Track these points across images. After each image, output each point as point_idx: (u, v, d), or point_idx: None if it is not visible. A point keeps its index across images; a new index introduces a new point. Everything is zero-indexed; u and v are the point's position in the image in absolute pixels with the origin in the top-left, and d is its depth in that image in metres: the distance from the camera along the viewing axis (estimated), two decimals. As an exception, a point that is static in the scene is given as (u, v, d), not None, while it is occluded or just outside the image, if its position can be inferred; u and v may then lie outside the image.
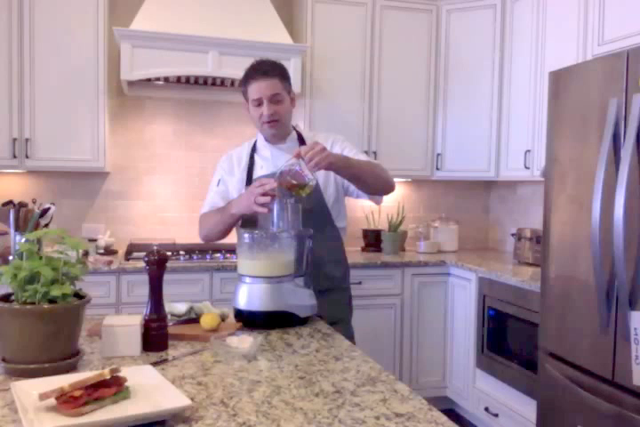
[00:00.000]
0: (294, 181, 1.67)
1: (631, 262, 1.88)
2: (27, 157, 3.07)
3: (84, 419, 0.97)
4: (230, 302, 1.73)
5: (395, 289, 3.35)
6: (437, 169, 3.72)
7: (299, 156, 1.66)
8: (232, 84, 3.39)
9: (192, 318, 1.65)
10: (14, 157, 3.06)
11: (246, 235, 1.71)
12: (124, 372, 1.07)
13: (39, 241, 1.37)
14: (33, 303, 1.20)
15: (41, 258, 1.25)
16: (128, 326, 1.40)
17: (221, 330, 1.56)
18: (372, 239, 3.74)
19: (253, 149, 2.06)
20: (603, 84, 2.02)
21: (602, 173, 1.95)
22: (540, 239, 2.57)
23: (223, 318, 1.67)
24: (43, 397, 0.99)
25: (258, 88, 1.88)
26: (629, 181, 1.85)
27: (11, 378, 1.19)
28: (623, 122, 1.92)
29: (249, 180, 2.00)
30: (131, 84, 3.33)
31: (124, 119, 3.53)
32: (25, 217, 2.86)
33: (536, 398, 2.43)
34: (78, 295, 1.29)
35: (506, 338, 2.96)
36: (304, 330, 1.65)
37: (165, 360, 1.36)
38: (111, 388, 1.03)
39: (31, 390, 1.04)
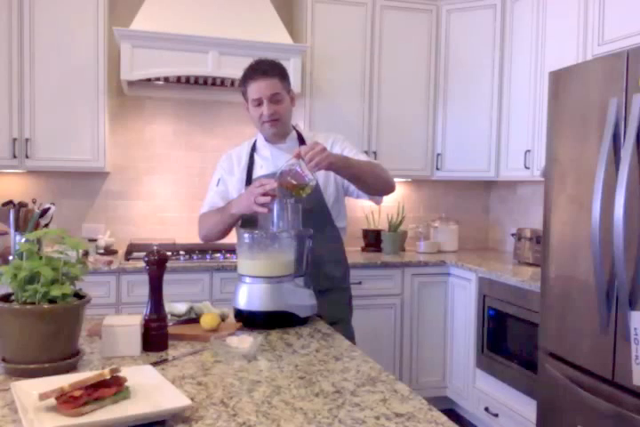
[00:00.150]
0: (294, 182, 1.67)
1: (631, 262, 1.88)
2: (27, 157, 3.07)
3: (84, 419, 0.97)
4: (230, 302, 1.73)
5: (395, 289, 3.35)
6: (437, 169, 3.72)
7: (299, 156, 1.65)
8: (232, 84, 3.39)
9: (192, 318, 1.65)
10: (14, 157, 3.06)
11: (246, 235, 1.71)
12: (124, 372, 1.07)
13: (39, 241, 1.38)
14: (33, 303, 1.20)
15: (41, 258, 1.25)
16: (128, 326, 1.40)
17: (221, 330, 1.56)
18: (372, 239, 3.74)
19: (253, 149, 2.06)
20: (603, 84, 2.02)
21: (602, 173, 1.95)
22: (540, 239, 2.57)
23: (223, 318, 1.67)
24: (43, 397, 0.99)
25: (257, 88, 1.88)
26: (629, 181, 1.85)
27: (11, 378, 1.19)
28: (623, 122, 1.92)
29: (249, 179, 2.00)
30: (131, 84, 3.33)
31: (124, 119, 3.53)
32: (25, 217, 2.86)
33: (536, 398, 2.43)
34: (78, 295, 1.29)
35: (506, 338, 2.97)
36: (304, 330, 1.65)
37: (165, 360, 1.36)
38: (111, 388, 1.03)
39: (31, 390, 1.04)
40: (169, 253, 2.72)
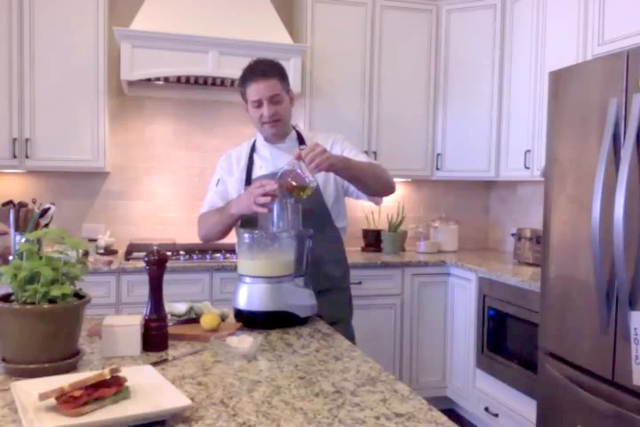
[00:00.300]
0: (295, 183, 1.67)
1: (631, 262, 1.88)
2: (27, 157, 3.07)
3: (84, 419, 0.97)
4: (230, 302, 1.73)
5: (395, 289, 3.35)
6: (437, 169, 3.72)
7: (299, 157, 1.65)
8: (232, 84, 3.39)
9: (192, 318, 1.65)
10: (14, 157, 3.06)
11: (246, 235, 1.71)
12: (124, 372, 1.07)
13: (39, 241, 1.38)
14: (33, 303, 1.20)
15: (41, 258, 1.25)
16: (128, 326, 1.40)
17: (221, 330, 1.56)
18: (372, 239, 3.74)
19: (253, 149, 2.06)
20: (603, 84, 2.02)
21: (602, 173, 1.95)
22: (540, 239, 2.57)
23: (223, 318, 1.67)
24: (43, 397, 0.99)
25: (257, 89, 1.87)
26: (629, 181, 1.85)
27: (11, 378, 1.19)
28: (623, 122, 1.92)
29: (248, 180, 2.00)
30: (131, 84, 3.33)
31: (124, 119, 3.53)
32: (25, 217, 2.86)
33: (536, 398, 2.43)
34: (78, 295, 1.29)
35: (506, 338, 2.97)
36: (304, 330, 1.65)
37: (165, 360, 1.36)
38: (111, 388, 1.03)
39: (31, 390, 1.04)
40: (169, 253, 2.73)
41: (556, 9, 3.04)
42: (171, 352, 1.42)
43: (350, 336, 1.94)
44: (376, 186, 1.94)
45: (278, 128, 1.95)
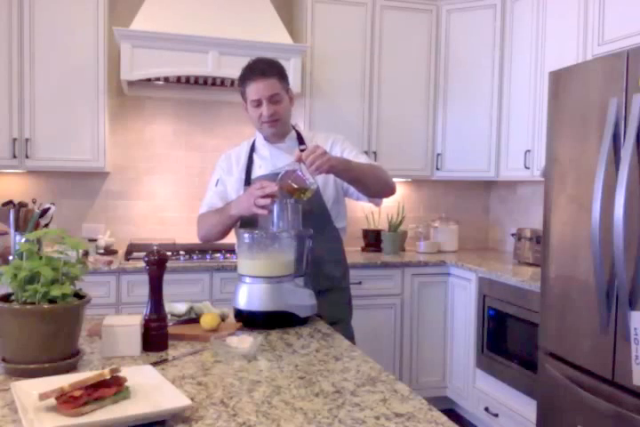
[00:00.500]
0: (295, 185, 1.67)
1: (631, 262, 1.88)
2: (27, 157, 3.07)
3: (84, 419, 0.97)
4: (230, 302, 1.73)
5: (395, 289, 3.35)
6: (437, 169, 3.72)
7: (299, 159, 1.65)
8: (232, 84, 3.39)
9: (192, 318, 1.65)
10: (14, 157, 3.06)
11: (246, 235, 1.71)
12: (124, 372, 1.07)
13: (39, 241, 1.37)
14: (33, 303, 1.20)
15: (41, 258, 1.25)
16: (128, 326, 1.39)
17: (221, 330, 1.56)
18: (372, 239, 3.74)
19: (252, 149, 2.06)
20: (603, 84, 2.02)
21: (602, 173, 1.95)
22: (540, 239, 2.57)
23: (223, 318, 1.67)
24: (43, 397, 0.99)
25: (256, 89, 1.87)
26: (629, 181, 1.85)
27: (11, 378, 1.19)
28: (623, 122, 1.92)
29: (247, 180, 1.99)
30: (131, 84, 3.33)
31: (124, 119, 3.53)
32: (25, 217, 2.86)
33: (536, 398, 2.43)
34: (78, 295, 1.29)
35: (506, 338, 2.97)
36: (304, 330, 1.65)
37: (165, 360, 1.36)
38: (111, 388, 1.03)
39: (31, 390, 1.04)
40: (169, 253, 2.72)
41: (556, 9, 3.04)
42: (171, 352, 1.42)
43: (350, 336, 1.94)
44: (376, 187, 1.94)
45: (277, 128, 1.95)
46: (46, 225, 2.93)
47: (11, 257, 2.50)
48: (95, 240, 3.25)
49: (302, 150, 1.86)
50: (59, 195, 3.40)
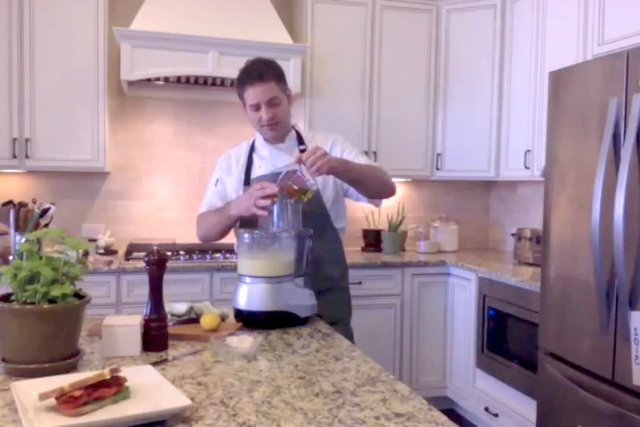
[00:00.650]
0: (296, 187, 1.67)
1: (631, 262, 1.88)
2: (27, 157, 3.07)
3: (84, 419, 0.97)
4: (230, 302, 1.73)
5: (395, 289, 3.35)
6: (437, 169, 3.72)
7: (300, 161, 1.65)
8: (232, 84, 3.38)
9: (192, 318, 1.65)
10: (14, 157, 3.06)
11: (246, 235, 1.71)
12: (124, 372, 1.07)
13: (39, 241, 1.37)
14: (33, 303, 1.20)
15: (41, 258, 1.25)
16: (128, 326, 1.39)
17: (221, 330, 1.56)
18: (372, 239, 3.74)
19: (252, 149, 2.05)
20: (603, 84, 2.02)
21: (602, 173, 1.95)
22: (540, 239, 2.57)
23: (223, 318, 1.67)
24: (43, 397, 0.99)
25: (254, 93, 1.86)
26: (629, 181, 1.85)
27: (11, 378, 1.19)
28: (623, 122, 1.92)
29: (247, 180, 1.99)
30: (131, 84, 3.33)
31: (124, 119, 3.53)
32: (25, 217, 2.86)
33: (536, 398, 2.43)
34: (78, 295, 1.29)
35: (506, 338, 2.97)
36: (304, 330, 1.65)
37: (165, 360, 1.36)
38: (111, 388, 1.03)
39: (31, 390, 1.04)
40: (169, 253, 2.73)
41: (556, 9, 3.04)
42: (171, 352, 1.42)
43: (349, 336, 1.94)
44: (376, 188, 1.93)
45: (277, 130, 1.95)
46: (46, 225, 2.93)
47: (11, 257, 2.50)
48: (95, 240, 3.25)
49: (302, 151, 1.87)
50: (59, 195, 3.40)
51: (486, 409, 3.08)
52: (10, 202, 2.96)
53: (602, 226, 1.94)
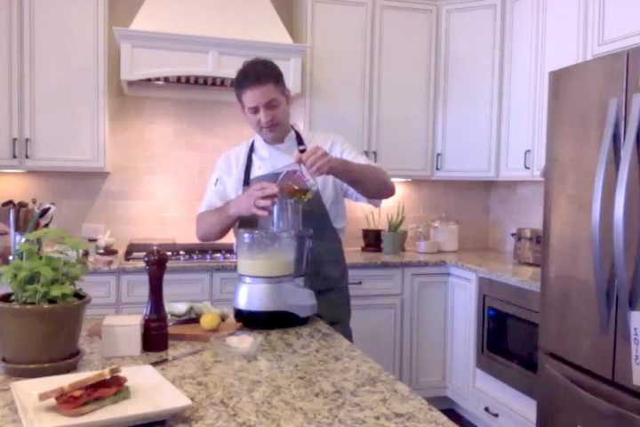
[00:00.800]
0: (296, 187, 1.67)
1: (631, 262, 1.88)
2: (27, 157, 3.07)
3: (84, 419, 0.97)
4: (230, 302, 1.73)
5: (395, 289, 3.35)
6: (437, 169, 3.72)
7: (300, 161, 1.65)
8: (232, 84, 3.35)
9: (192, 318, 1.65)
10: (14, 157, 3.06)
11: (246, 235, 1.71)
12: (124, 372, 1.07)
13: (39, 241, 1.37)
14: (33, 303, 1.20)
15: (41, 258, 1.25)
16: (128, 326, 1.40)
17: (221, 330, 1.56)
18: (372, 239, 3.74)
19: (251, 149, 2.05)
20: (603, 84, 2.02)
21: (602, 173, 1.95)
22: (540, 239, 2.57)
23: (223, 318, 1.67)
24: (43, 397, 0.99)
25: (252, 96, 1.86)
26: (629, 181, 1.85)
27: (11, 378, 1.19)
28: (623, 122, 1.92)
29: (246, 180, 1.99)
30: (131, 84, 3.33)
31: (124, 119, 3.53)
32: (25, 217, 2.86)
33: (536, 398, 2.43)
34: (78, 295, 1.29)
35: (506, 338, 2.96)
36: (304, 330, 1.65)
37: (165, 360, 1.36)
38: (111, 388, 1.03)
39: (31, 390, 1.04)
40: (169, 253, 2.73)
41: (556, 9, 3.04)
42: (171, 352, 1.42)
43: (348, 336, 1.93)
44: (375, 189, 1.93)
45: (277, 132, 1.95)
46: (46, 225, 2.93)
47: (11, 257, 2.50)
48: (95, 240, 3.25)
49: (301, 151, 1.87)
50: (59, 195, 3.40)
51: (486, 409, 3.08)
52: (10, 202, 2.96)
53: (602, 226, 1.94)
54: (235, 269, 1.79)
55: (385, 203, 2.18)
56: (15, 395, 1.03)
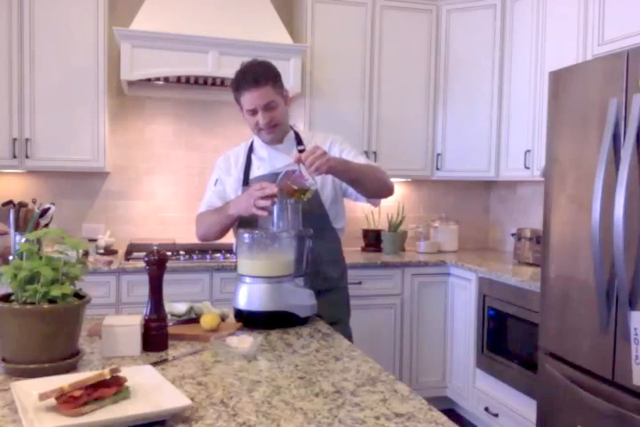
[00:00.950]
0: (295, 187, 1.67)
1: (631, 262, 1.88)
2: (27, 157, 3.07)
3: (84, 419, 0.97)
4: (230, 302, 1.73)
5: (395, 289, 3.35)
6: (437, 169, 3.72)
7: (299, 161, 1.65)
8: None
9: (192, 318, 1.65)
10: (14, 157, 3.06)
11: (246, 235, 1.71)
12: (124, 372, 1.07)
13: (39, 241, 1.37)
14: (33, 303, 1.20)
15: (41, 258, 1.25)
16: (128, 326, 1.40)
17: (221, 330, 1.56)
18: (372, 239, 3.74)
19: (250, 150, 2.05)
20: (603, 84, 2.02)
21: (602, 173, 1.95)
22: (540, 239, 2.57)
23: (223, 318, 1.67)
24: (43, 397, 0.99)
25: (250, 99, 1.86)
26: (629, 181, 1.85)
27: (11, 378, 1.19)
28: (623, 122, 1.92)
29: (246, 180, 1.99)
30: (131, 84, 3.33)
31: (124, 119, 3.53)
32: (25, 217, 2.86)
33: (536, 398, 2.43)
34: (78, 295, 1.29)
35: (506, 338, 2.97)
36: (304, 330, 1.65)
37: (165, 360, 1.36)
38: (111, 388, 1.03)
39: (31, 390, 1.04)
40: (169, 253, 2.72)
41: (556, 9, 3.04)
42: (171, 352, 1.42)
43: (348, 336, 1.94)
44: (375, 188, 1.93)
45: (276, 133, 1.94)
46: (46, 225, 2.93)
47: (11, 257, 2.50)
48: (95, 240, 3.25)
49: (301, 151, 1.87)
50: (59, 195, 3.40)
51: (486, 409, 3.08)
52: (10, 202, 2.96)
53: (602, 226, 1.94)
54: (235, 269, 1.79)
55: (385, 203, 2.19)
56: (15, 395, 1.03)
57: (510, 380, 2.90)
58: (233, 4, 3.27)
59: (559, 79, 2.26)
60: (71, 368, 1.25)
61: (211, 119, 3.66)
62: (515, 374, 2.86)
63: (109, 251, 3.29)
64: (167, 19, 3.14)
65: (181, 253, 3.15)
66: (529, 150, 3.25)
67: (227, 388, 1.18)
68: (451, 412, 3.44)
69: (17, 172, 3.30)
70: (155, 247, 1.54)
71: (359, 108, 3.57)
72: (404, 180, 3.88)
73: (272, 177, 1.83)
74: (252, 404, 1.09)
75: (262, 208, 1.69)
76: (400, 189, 3.86)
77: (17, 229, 2.82)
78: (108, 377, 1.04)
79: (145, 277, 1.47)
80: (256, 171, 2.00)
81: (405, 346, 3.38)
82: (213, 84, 3.46)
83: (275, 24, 3.32)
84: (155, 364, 1.30)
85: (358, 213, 3.75)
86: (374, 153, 3.57)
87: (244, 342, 1.41)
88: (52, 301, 1.22)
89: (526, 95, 3.29)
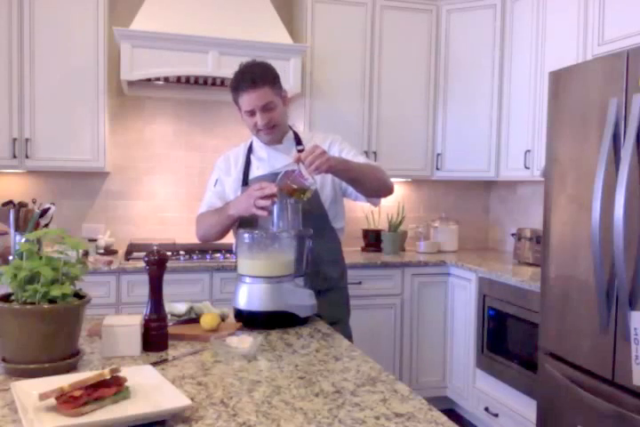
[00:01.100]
0: (295, 186, 1.67)
1: (631, 262, 1.88)
2: (27, 157, 3.07)
3: (84, 419, 0.97)
4: (230, 302, 1.73)
5: (395, 289, 3.35)
6: (437, 169, 3.72)
7: (298, 160, 1.65)
8: (232, 84, 3.38)
9: (192, 318, 1.65)
10: (14, 157, 3.06)
11: (246, 235, 1.71)
12: (124, 372, 1.07)
13: (39, 241, 1.37)
14: (33, 303, 1.20)
15: (41, 258, 1.25)
16: (128, 326, 1.39)
17: (221, 330, 1.56)
18: (372, 239, 3.74)
19: (250, 150, 2.05)
20: (603, 84, 2.02)
21: (602, 173, 1.95)
22: (540, 239, 2.57)
23: (223, 318, 1.67)
24: (43, 397, 0.99)
25: (248, 100, 1.86)
26: (629, 181, 1.85)
27: (11, 378, 1.19)
28: (623, 122, 1.92)
29: (245, 180, 1.99)
30: (131, 84, 3.33)
31: (124, 119, 3.53)
32: (25, 217, 2.86)
33: (536, 398, 2.43)
34: (78, 295, 1.28)
35: (506, 338, 2.96)
36: (304, 330, 1.65)
37: (165, 360, 1.36)
38: (111, 388, 1.03)
39: (31, 390, 1.04)
40: (169, 253, 2.72)
41: (556, 9, 3.04)
42: (171, 352, 1.42)
43: (348, 336, 1.93)
44: (374, 187, 1.93)
45: (275, 134, 1.94)
46: (46, 225, 2.93)
47: (11, 257, 2.50)
48: (95, 240, 3.25)
49: (300, 151, 1.87)
50: (59, 195, 3.40)
51: (486, 409, 3.08)
52: (10, 202, 2.96)
53: (602, 226, 1.94)
54: (235, 269, 1.79)
55: (385, 203, 2.19)
56: (15, 395, 1.03)
57: (510, 380, 2.90)
58: (233, 3, 3.27)
59: (559, 79, 2.26)
60: (71, 368, 1.25)
61: (211, 119, 3.66)
62: (515, 375, 2.86)
63: (109, 251, 3.29)
64: (167, 19, 3.14)
65: (181, 253, 3.15)
66: (529, 150, 3.25)
67: (227, 388, 1.18)
68: (451, 412, 3.44)
69: (17, 172, 3.30)
70: (155, 247, 1.54)
71: (359, 108, 3.57)
72: (403, 180, 3.88)
73: (271, 177, 1.83)
74: (251, 404, 1.09)
75: (262, 208, 1.69)
76: (400, 189, 3.86)
77: (17, 229, 2.82)
78: (108, 377, 1.04)
79: (145, 278, 1.47)
80: (255, 171, 2.00)
81: (405, 346, 3.38)
82: (213, 84, 3.46)
83: (275, 24, 3.32)
84: (155, 364, 1.30)
85: (358, 213, 3.75)
86: (374, 153, 3.57)
87: (244, 342, 1.41)
88: (52, 301, 1.22)
89: (526, 95, 3.29)
